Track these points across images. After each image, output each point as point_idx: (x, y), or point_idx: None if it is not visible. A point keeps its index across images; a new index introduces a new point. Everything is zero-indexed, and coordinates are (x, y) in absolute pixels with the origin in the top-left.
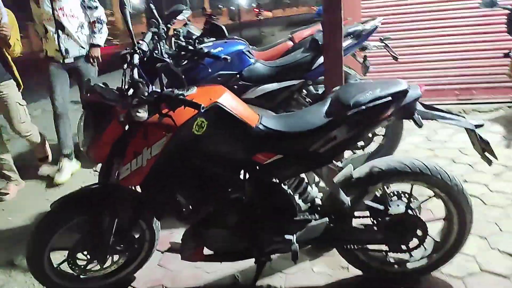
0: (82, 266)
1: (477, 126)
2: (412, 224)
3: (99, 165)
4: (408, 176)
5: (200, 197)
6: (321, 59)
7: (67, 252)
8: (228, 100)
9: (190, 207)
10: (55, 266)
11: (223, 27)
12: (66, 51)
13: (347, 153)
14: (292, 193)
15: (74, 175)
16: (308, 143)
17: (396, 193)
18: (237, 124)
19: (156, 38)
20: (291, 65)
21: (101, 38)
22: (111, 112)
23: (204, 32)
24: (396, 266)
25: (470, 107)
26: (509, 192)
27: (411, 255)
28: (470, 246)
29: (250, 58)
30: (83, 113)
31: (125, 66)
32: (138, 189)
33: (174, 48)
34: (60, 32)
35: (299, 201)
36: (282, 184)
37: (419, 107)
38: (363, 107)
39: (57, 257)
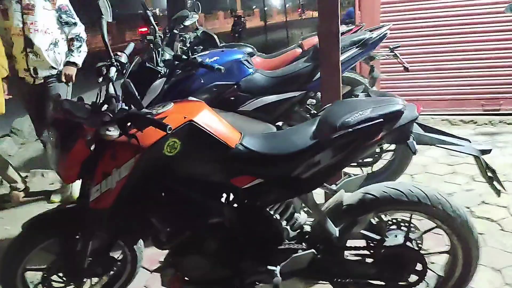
0: None
1: (484, 152)
2: (410, 259)
3: None
4: (404, 206)
5: (175, 222)
6: None
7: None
8: (205, 118)
9: (168, 230)
10: None
11: (215, 36)
12: (35, 70)
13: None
14: (277, 219)
15: None
16: (290, 167)
17: (395, 221)
18: (214, 145)
19: (151, 46)
20: (291, 76)
21: (79, 56)
22: (78, 130)
23: (195, 41)
24: None
25: (498, 118)
26: None
27: None
28: (481, 280)
29: (248, 67)
30: (51, 130)
31: (100, 79)
32: None
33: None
34: (27, 49)
35: (286, 228)
36: (266, 209)
37: (416, 129)
38: (350, 129)
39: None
